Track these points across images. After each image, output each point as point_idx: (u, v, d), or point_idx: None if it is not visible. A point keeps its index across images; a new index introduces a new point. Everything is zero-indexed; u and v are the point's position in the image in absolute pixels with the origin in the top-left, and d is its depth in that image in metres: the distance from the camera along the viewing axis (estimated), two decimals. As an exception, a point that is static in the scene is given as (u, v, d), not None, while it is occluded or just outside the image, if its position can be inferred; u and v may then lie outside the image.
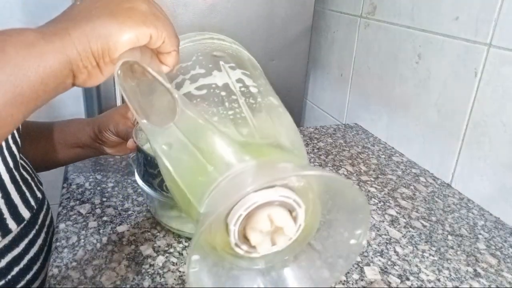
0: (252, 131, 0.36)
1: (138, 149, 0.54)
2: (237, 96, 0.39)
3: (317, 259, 0.38)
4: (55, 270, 0.49)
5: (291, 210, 0.34)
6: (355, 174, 0.78)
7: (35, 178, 0.59)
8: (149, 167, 0.53)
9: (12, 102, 0.31)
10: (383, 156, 0.87)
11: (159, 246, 0.54)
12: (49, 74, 0.32)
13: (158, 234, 0.56)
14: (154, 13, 0.35)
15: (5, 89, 0.30)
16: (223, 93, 0.39)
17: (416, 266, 0.54)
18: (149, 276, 0.49)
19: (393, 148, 0.91)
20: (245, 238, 0.33)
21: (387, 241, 0.59)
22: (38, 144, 0.65)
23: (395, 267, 0.54)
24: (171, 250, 0.53)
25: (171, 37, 0.36)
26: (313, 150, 0.88)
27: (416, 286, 0.51)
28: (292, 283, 0.38)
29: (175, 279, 0.49)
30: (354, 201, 0.34)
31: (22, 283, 0.51)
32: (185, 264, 0.51)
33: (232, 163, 0.33)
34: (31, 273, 0.53)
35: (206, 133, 0.34)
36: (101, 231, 0.56)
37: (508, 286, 0.53)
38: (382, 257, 0.55)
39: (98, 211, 0.60)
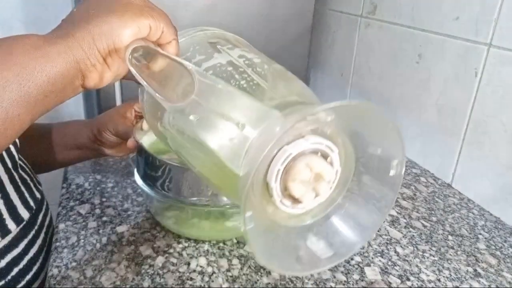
0: (269, 93, 0.37)
1: (139, 148, 0.54)
2: (244, 68, 0.39)
3: (361, 200, 0.38)
4: (55, 270, 0.49)
5: (325, 156, 0.34)
6: (355, 174, 0.78)
7: (34, 179, 0.59)
8: (150, 166, 0.53)
9: (19, 102, 0.31)
10: (383, 156, 0.87)
11: (159, 247, 0.54)
12: (56, 74, 0.32)
13: (158, 234, 0.56)
14: (149, 6, 0.36)
15: (12, 88, 0.31)
16: (229, 68, 0.39)
17: (417, 266, 0.54)
18: (149, 276, 0.49)
19: (393, 148, 0.91)
20: (289, 197, 0.34)
21: (388, 241, 0.59)
22: (37, 146, 0.65)
23: (395, 267, 0.54)
24: (171, 250, 0.53)
25: (169, 27, 0.37)
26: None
27: (416, 286, 0.51)
28: (344, 231, 0.38)
29: (174, 280, 0.48)
30: (385, 130, 0.34)
31: (22, 283, 0.51)
32: (184, 264, 0.51)
33: (260, 119, 0.33)
34: (31, 273, 0.53)
35: (228, 97, 0.35)
36: (100, 231, 0.56)
37: (508, 286, 0.53)
38: (382, 257, 0.55)
39: (97, 211, 0.60)
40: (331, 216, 0.38)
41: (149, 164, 0.53)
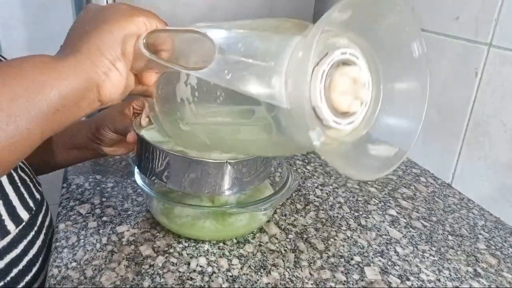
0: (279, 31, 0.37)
1: (139, 140, 0.54)
2: (242, 30, 0.40)
3: (398, 91, 0.40)
4: (55, 270, 0.49)
5: (353, 64, 0.36)
6: (355, 174, 0.78)
7: (34, 180, 0.59)
8: (150, 156, 0.52)
9: (28, 116, 0.32)
10: (383, 156, 0.87)
11: (159, 247, 0.54)
12: (67, 88, 0.33)
13: (158, 234, 0.56)
14: (135, 7, 0.38)
15: (21, 101, 0.31)
16: (232, 33, 0.40)
17: (417, 266, 0.54)
18: (149, 276, 0.49)
19: (393, 148, 0.91)
20: (339, 113, 0.35)
21: (388, 241, 0.59)
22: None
23: (395, 267, 0.54)
24: (171, 250, 0.53)
25: (161, 21, 0.39)
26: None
27: (416, 286, 0.51)
28: (397, 125, 0.40)
29: (174, 279, 0.48)
30: (396, 14, 0.36)
31: (22, 284, 0.51)
32: (184, 264, 0.51)
33: (285, 48, 0.34)
34: (30, 274, 0.53)
35: (247, 40, 0.35)
36: (100, 231, 0.56)
37: (508, 286, 0.53)
38: (382, 257, 0.55)
39: (97, 211, 0.60)
40: (380, 119, 0.40)
41: (149, 155, 0.52)
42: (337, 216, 0.64)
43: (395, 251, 0.57)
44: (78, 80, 0.34)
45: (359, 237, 0.59)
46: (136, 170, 0.57)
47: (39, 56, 0.34)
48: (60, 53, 0.36)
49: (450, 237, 0.61)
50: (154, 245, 0.54)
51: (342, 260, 0.54)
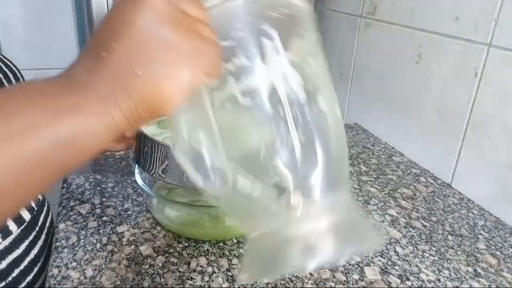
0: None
1: (138, 135, 0.54)
2: (286, 113, 0.34)
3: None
4: (55, 270, 0.49)
5: None
6: (355, 174, 0.78)
7: (35, 179, 0.59)
8: (149, 153, 0.52)
9: (52, 180, 0.28)
10: (383, 156, 0.87)
11: (159, 246, 0.54)
12: (94, 142, 0.29)
13: (158, 234, 0.56)
14: (194, 46, 0.30)
15: (35, 159, 0.26)
16: (269, 108, 0.34)
17: (416, 266, 0.54)
18: (149, 276, 0.49)
19: (393, 148, 0.91)
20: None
21: (387, 241, 0.59)
22: None
23: (395, 267, 0.54)
24: (171, 250, 0.53)
25: (216, 65, 0.32)
26: (313, 150, 0.88)
27: (416, 286, 0.51)
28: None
29: (174, 279, 0.49)
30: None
31: (23, 284, 0.51)
32: (184, 264, 0.51)
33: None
34: (32, 274, 0.53)
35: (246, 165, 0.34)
36: (101, 231, 0.56)
37: (508, 286, 0.53)
38: (382, 257, 0.55)
39: (98, 211, 0.60)
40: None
41: (148, 150, 0.52)
42: (337, 216, 0.64)
43: (395, 251, 0.57)
44: (108, 136, 0.29)
45: (359, 237, 0.59)
46: (136, 170, 0.57)
47: (66, 100, 0.27)
48: (91, 73, 0.28)
49: (450, 237, 0.61)
50: (154, 245, 0.54)
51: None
